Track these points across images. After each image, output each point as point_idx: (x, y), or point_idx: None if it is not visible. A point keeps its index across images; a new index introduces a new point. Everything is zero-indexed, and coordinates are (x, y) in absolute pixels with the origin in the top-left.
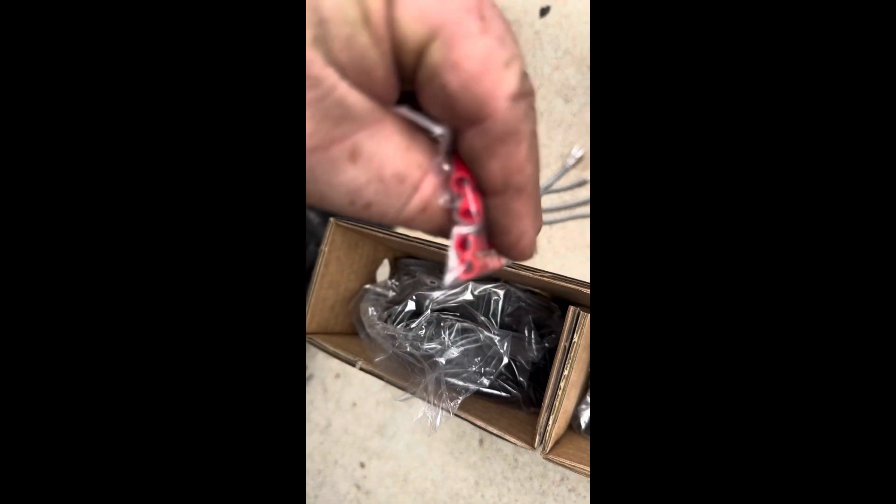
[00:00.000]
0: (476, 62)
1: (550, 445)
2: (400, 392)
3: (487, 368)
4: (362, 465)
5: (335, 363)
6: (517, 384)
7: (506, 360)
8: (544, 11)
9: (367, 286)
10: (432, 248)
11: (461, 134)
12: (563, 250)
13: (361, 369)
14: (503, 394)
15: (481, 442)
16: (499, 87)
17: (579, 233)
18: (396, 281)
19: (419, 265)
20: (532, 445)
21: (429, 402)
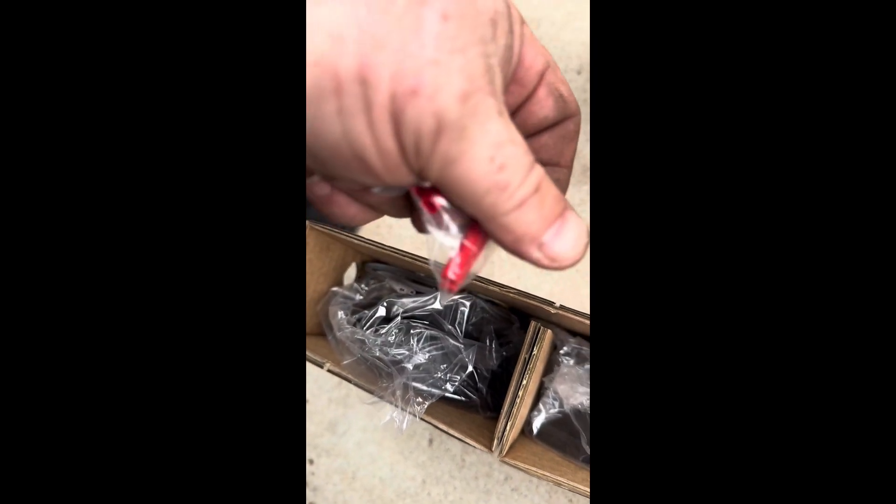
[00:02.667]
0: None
1: (507, 449)
2: (367, 395)
3: (452, 375)
4: (311, 462)
5: None
6: (476, 390)
7: (470, 369)
8: None
9: (335, 289)
10: (398, 255)
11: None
12: (521, 263)
13: (329, 371)
14: (463, 399)
15: (431, 442)
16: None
17: None
18: (364, 285)
19: (386, 270)
20: (490, 449)
21: (396, 405)
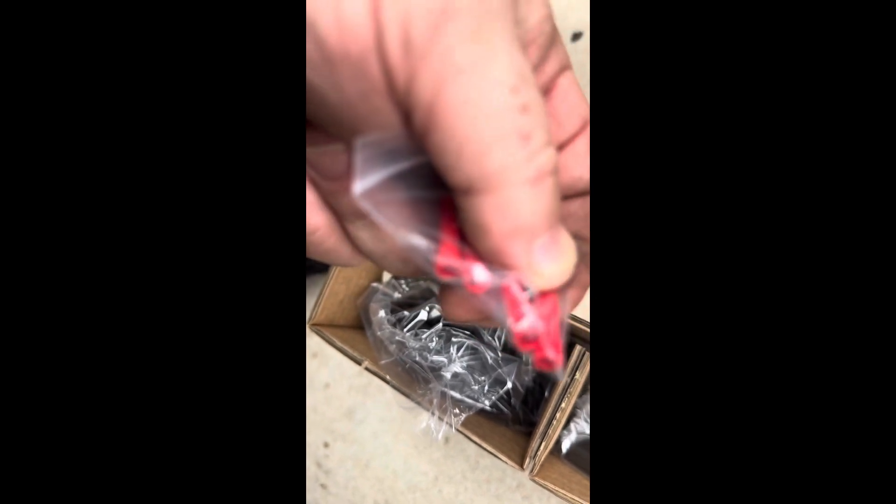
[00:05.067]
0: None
1: (538, 469)
2: (404, 399)
3: (489, 389)
4: (326, 445)
5: (313, 342)
6: (510, 405)
7: (509, 385)
8: (576, 37)
9: (375, 284)
10: None
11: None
12: None
13: (367, 369)
14: (495, 411)
15: (447, 440)
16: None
17: None
18: (404, 283)
19: None
20: (521, 466)
21: (433, 413)
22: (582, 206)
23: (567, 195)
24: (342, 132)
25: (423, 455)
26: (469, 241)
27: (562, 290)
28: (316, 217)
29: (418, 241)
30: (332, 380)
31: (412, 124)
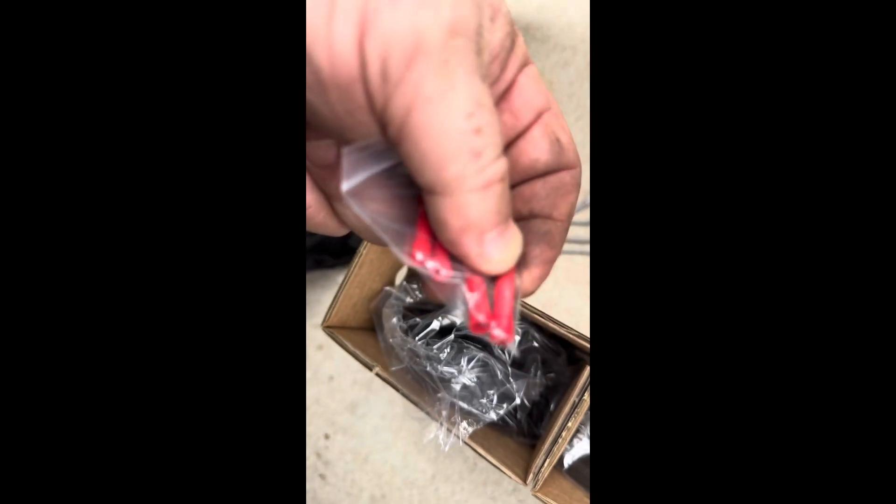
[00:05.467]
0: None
1: (541, 485)
2: (413, 407)
3: (497, 403)
4: (327, 437)
5: (319, 334)
6: (515, 419)
7: (518, 401)
8: None
9: (388, 288)
10: None
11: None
12: (564, 281)
13: (377, 375)
14: (500, 422)
15: None
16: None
17: (583, 268)
18: (415, 286)
19: None
20: (524, 481)
21: (442, 424)
22: (543, 187)
23: (529, 176)
24: (332, 134)
25: (422, 453)
26: (434, 231)
27: (518, 270)
28: (309, 196)
29: (387, 238)
30: (337, 373)
31: (387, 135)
